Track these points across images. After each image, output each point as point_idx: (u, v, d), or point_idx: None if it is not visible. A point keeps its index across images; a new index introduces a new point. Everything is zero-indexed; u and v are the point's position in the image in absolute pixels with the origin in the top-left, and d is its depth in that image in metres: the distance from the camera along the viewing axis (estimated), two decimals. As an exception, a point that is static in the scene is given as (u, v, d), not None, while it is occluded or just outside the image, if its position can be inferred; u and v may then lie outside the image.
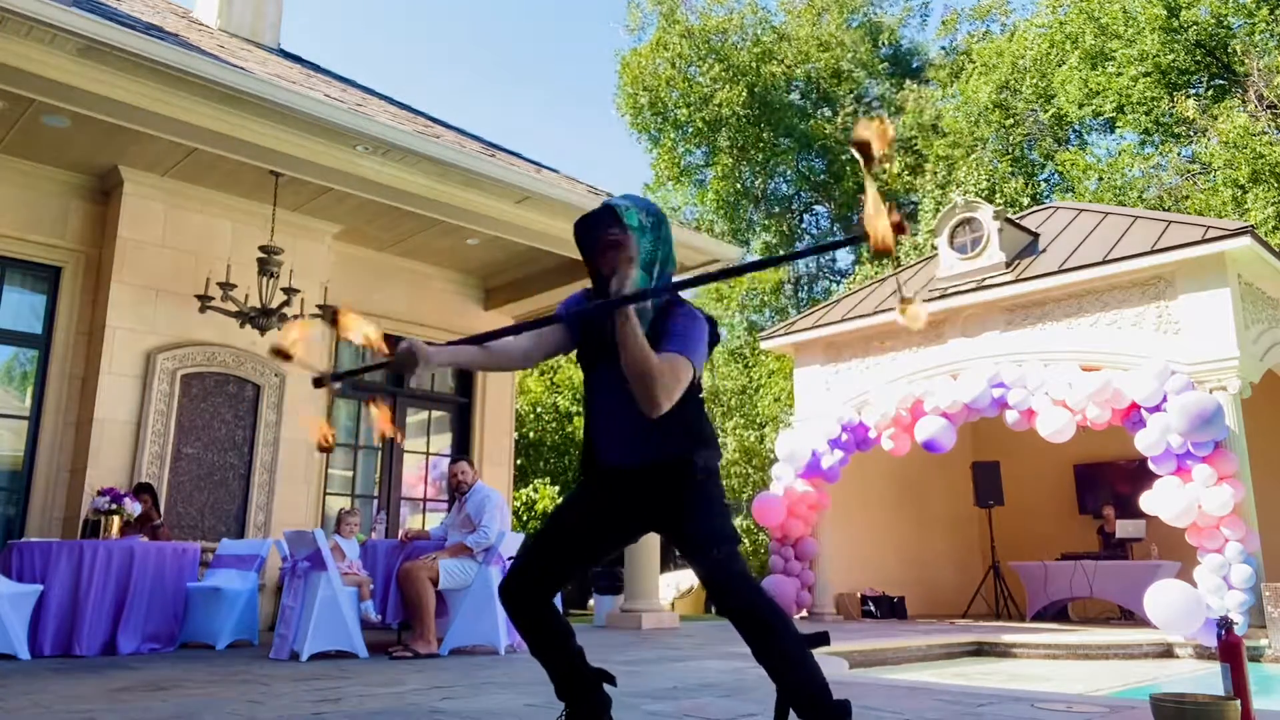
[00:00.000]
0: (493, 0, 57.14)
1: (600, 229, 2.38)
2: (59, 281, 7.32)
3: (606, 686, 2.49)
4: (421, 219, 8.18)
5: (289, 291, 7.17)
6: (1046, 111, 19.91)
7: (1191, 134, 16.93)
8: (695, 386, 2.38)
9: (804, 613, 10.61)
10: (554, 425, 19.06)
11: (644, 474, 2.36)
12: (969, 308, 9.99)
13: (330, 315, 2.39)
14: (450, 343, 2.40)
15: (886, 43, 24.72)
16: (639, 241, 2.35)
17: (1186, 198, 16.41)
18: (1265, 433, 9.48)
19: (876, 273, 18.37)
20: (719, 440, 2.46)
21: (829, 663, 5.34)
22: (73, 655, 5.42)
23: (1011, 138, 20.38)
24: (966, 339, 9.99)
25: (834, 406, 10.73)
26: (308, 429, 2.18)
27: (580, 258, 2.48)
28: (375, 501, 9.17)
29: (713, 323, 2.46)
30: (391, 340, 2.33)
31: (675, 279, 2.43)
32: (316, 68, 9.55)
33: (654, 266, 2.39)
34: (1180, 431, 7.86)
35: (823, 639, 2.30)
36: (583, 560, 2.46)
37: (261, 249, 7.19)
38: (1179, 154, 17.18)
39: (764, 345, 12.75)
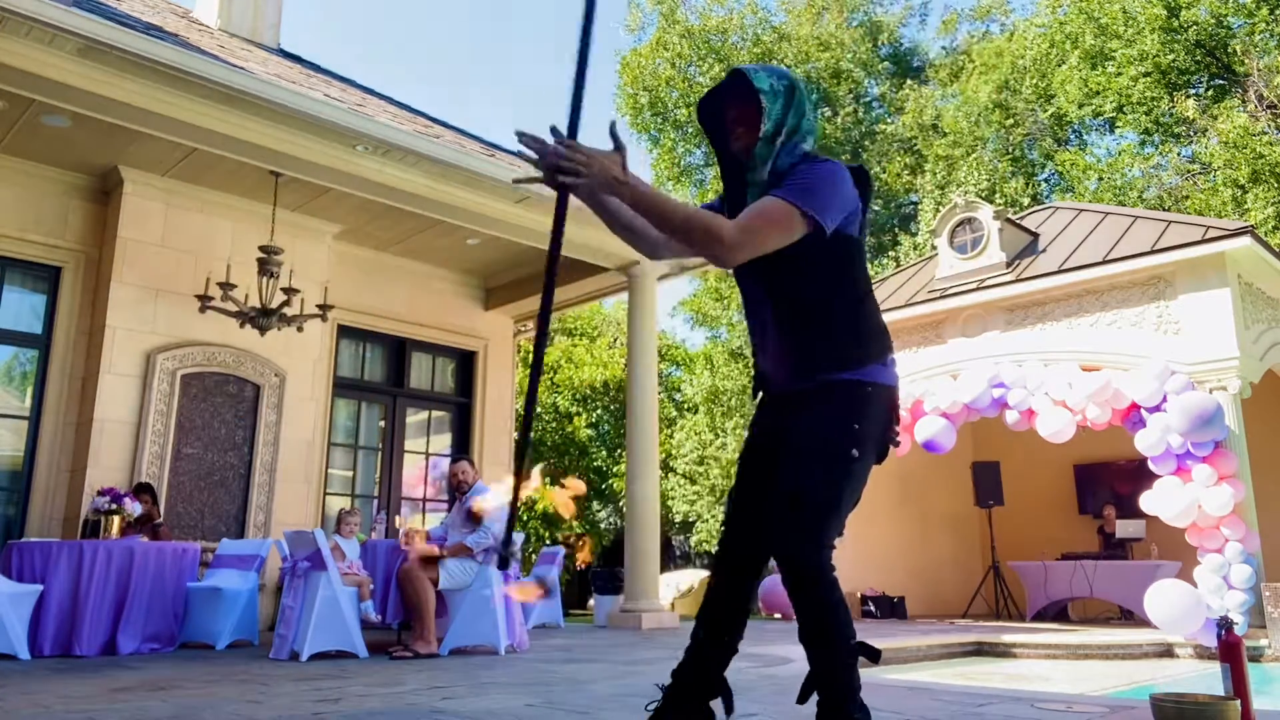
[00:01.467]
0: (493, 0, 57.13)
1: (726, 96, 2.15)
2: (59, 281, 7.32)
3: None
4: (421, 219, 8.18)
5: (289, 291, 7.17)
6: (1046, 111, 19.91)
7: (1191, 134, 16.93)
8: (842, 260, 2.10)
9: (804, 613, 10.60)
10: (554, 425, 19.06)
11: (778, 401, 2.16)
12: (969, 308, 9.99)
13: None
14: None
15: (886, 43, 24.71)
16: (769, 107, 2.08)
17: (1186, 198, 16.42)
18: (1265, 433, 9.48)
19: (876, 273, 18.37)
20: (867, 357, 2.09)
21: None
22: (73, 655, 5.42)
23: (1011, 138, 20.38)
24: (966, 339, 9.99)
25: (834, 406, 10.71)
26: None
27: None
28: (375, 501, 9.17)
29: (856, 170, 2.15)
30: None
31: None
32: (316, 68, 9.55)
33: (781, 136, 2.10)
34: (1180, 431, 7.86)
35: (874, 655, 2.15)
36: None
37: (261, 249, 7.19)
38: (1179, 154, 17.18)
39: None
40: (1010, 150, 20.36)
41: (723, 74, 22.49)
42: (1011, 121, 20.31)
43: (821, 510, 2.02)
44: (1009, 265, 9.92)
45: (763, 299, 2.17)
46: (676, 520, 18.50)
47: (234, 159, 6.82)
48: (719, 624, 2.22)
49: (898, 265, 17.26)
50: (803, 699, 2.10)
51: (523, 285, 9.74)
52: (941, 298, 10.13)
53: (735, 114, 2.15)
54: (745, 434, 2.28)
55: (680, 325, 37.85)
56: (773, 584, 10.52)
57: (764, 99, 2.09)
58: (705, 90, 2.08)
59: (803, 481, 2.02)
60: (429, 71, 68.51)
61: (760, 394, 2.29)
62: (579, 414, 19.30)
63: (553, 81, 62.42)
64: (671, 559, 19.29)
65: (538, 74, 64.25)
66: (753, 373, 2.27)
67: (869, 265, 14.80)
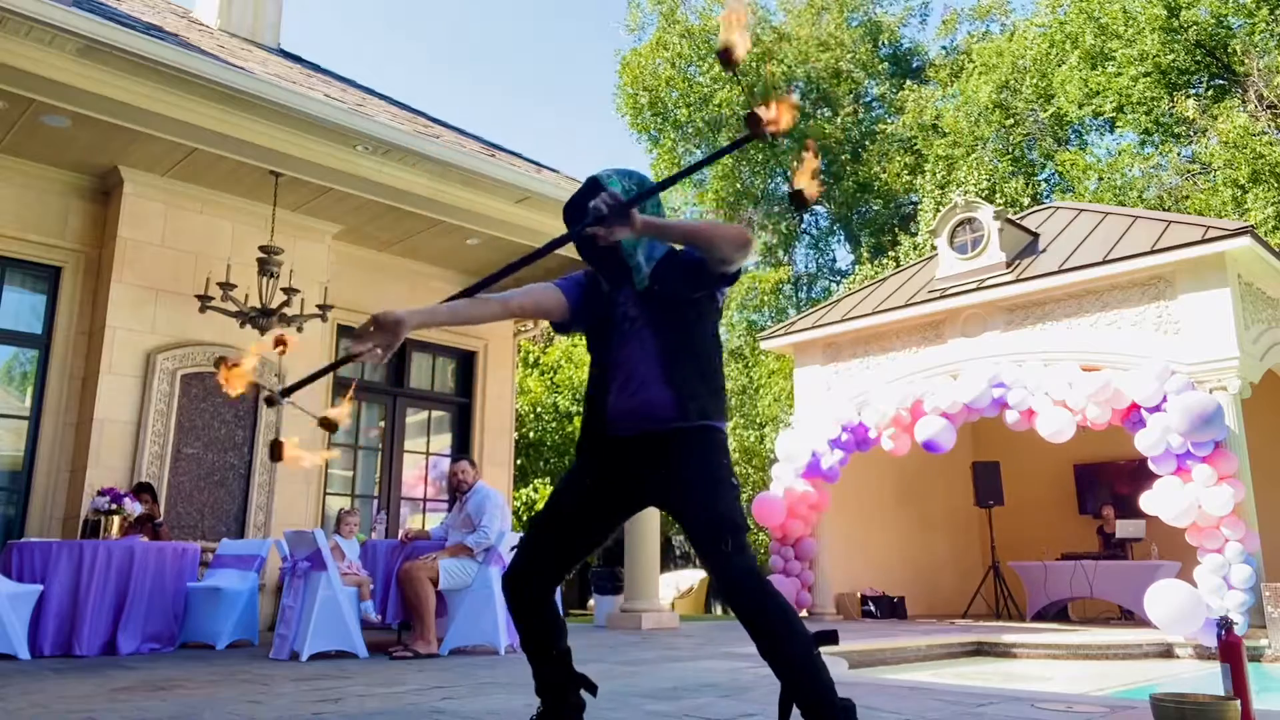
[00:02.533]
0: (493, 1, 57.16)
1: (587, 199, 2.31)
2: (59, 281, 7.32)
3: (587, 694, 2.43)
4: (421, 219, 8.18)
5: (289, 291, 7.16)
6: (1046, 111, 19.91)
7: (1191, 134, 16.93)
8: (715, 327, 2.39)
9: (804, 613, 10.60)
10: (554, 425, 19.05)
11: (649, 441, 2.28)
12: (969, 308, 10.00)
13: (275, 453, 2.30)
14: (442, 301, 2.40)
15: (886, 43, 24.72)
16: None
17: (1186, 198, 16.42)
18: (1265, 433, 9.49)
19: (876, 273, 18.38)
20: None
21: (829, 663, 5.34)
22: (73, 655, 5.42)
23: (1011, 138, 20.38)
24: (966, 339, 10.00)
25: (834, 406, 10.73)
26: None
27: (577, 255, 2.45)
28: (375, 501, 9.17)
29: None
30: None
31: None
32: (316, 68, 9.55)
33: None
34: (1180, 431, 7.86)
35: (831, 638, 2.22)
36: (584, 544, 2.38)
37: (261, 249, 7.19)
38: (1179, 154, 17.18)
39: (764, 345, 12.75)
40: (1010, 150, 20.36)
41: (723, 74, 22.53)
42: (1011, 121, 20.31)
43: (741, 528, 2.17)
44: (1009, 265, 9.92)
45: (649, 339, 2.32)
46: (676, 520, 18.52)
47: (234, 159, 6.81)
48: (543, 645, 2.35)
49: (898, 265, 17.26)
50: (784, 715, 2.15)
51: (522, 285, 9.73)
52: (941, 298, 10.13)
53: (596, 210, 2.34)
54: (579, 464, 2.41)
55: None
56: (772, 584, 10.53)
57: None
58: (571, 198, 2.39)
59: (720, 508, 2.19)
60: (428, 72, 68.52)
61: (596, 432, 2.39)
62: (579, 414, 19.30)
63: (555, 82, 62.44)
64: (671, 559, 19.29)
65: (537, 74, 64.27)
66: (592, 414, 2.39)
67: (869, 265, 14.74)
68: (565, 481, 2.43)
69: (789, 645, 2.12)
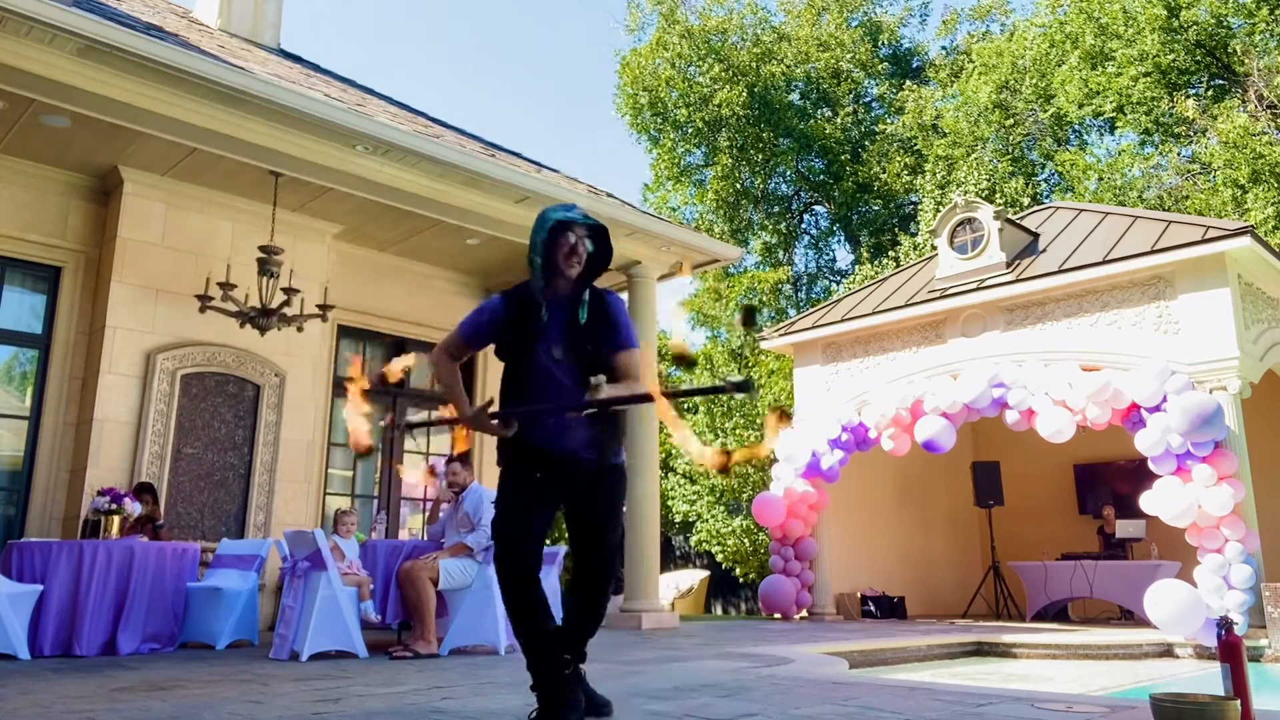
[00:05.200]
0: (492, 1, 57.16)
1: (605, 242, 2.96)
2: (59, 281, 7.32)
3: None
4: (421, 219, 8.18)
5: (289, 291, 7.17)
6: (1046, 111, 19.90)
7: (1191, 134, 16.92)
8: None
9: (804, 612, 10.61)
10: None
11: (585, 462, 2.84)
12: (969, 308, 9.99)
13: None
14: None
15: (886, 43, 24.71)
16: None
17: (1186, 198, 16.41)
18: (1265, 433, 9.49)
19: (876, 273, 18.37)
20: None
21: (829, 663, 5.34)
22: (73, 655, 5.42)
23: (1011, 138, 20.37)
24: (966, 339, 10.00)
25: (834, 406, 10.73)
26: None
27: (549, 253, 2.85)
28: (375, 501, 9.17)
29: None
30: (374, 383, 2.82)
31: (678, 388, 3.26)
32: (316, 68, 9.56)
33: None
34: (1180, 431, 7.86)
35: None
36: (542, 535, 2.89)
37: (261, 249, 7.19)
38: (1179, 154, 17.17)
39: (764, 345, 12.75)
40: (1010, 150, 20.35)
41: (723, 74, 22.53)
42: (1011, 121, 20.30)
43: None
44: (1009, 265, 9.92)
45: (572, 388, 2.78)
46: (676, 520, 18.48)
47: (234, 159, 6.82)
48: (546, 628, 2.82)
49: (898, 265, 17.26)
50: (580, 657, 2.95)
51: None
52: (941, 298, 10.13)
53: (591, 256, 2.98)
54: (524, 476, 2.89)
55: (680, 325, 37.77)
56: (773, 584, 10.53)
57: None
58: (596, 221, 2.90)
59: (620, 526, 3.03)
60: (428, 72, 68.52)
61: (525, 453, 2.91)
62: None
63: (555, 82, 62.37)
64: (671, 559, 19.29)
65: (537, 74, 64.26)
66: (523, 440, 2.86)
67: (869, 265, 14.69)
68: (517, 481, 2.99)
69: (606, 602, 3.01)
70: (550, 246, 2.81)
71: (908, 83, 22.84)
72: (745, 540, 17.01)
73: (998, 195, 18.05)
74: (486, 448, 9.84)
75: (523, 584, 2.77)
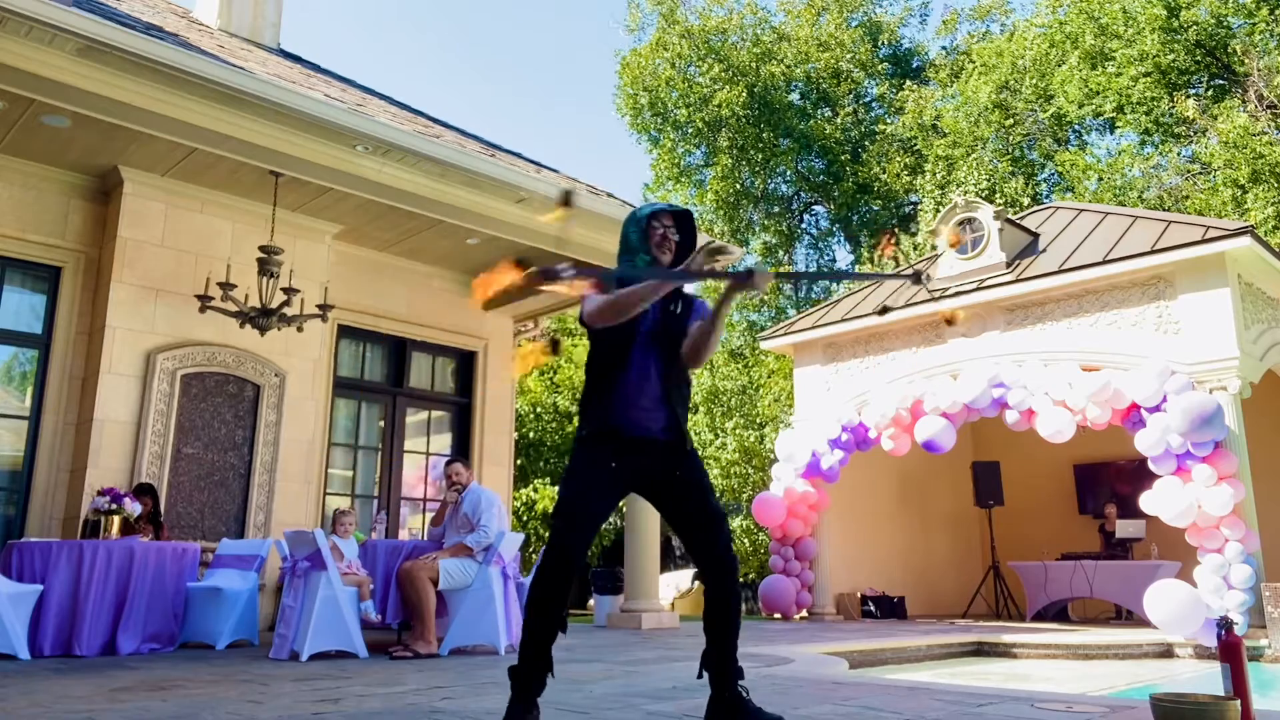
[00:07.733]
0: (493, 1, 57.17)
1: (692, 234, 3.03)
2: (59, 281, 7.31)
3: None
4: (421, 219, 8.17)
5: (289, 291, 7.16)
6: (1046, 111, 19.90)
7: (1191, 134, 16.92)
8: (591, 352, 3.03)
9: (804, 613, 10.61)
10: (554, 425, 19.06)
11: (668, 444, 2.87)
12: (969, 308, 10.00)
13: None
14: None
15: (886, 43, 24.70)
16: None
17: (1186, 198, 16.41)
18: (1265, 433, 9.49)
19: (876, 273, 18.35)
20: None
21: (829, 663, 5.34)
22: (73, 655, 5.42)
23: (1011, 138, 20.37)
24: (966, 339, 10.00)
25: (834, 406, 10.73)
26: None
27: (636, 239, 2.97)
28: (375, 501, 9.16)
29: None
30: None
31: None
32: (316, 68, 9.55)
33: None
34: (1180, 431, 7.86)
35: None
36: (599, 523, 2.85)
37: (261, 249, 7.19)
38: (1179, 154, 17.16)
39: (764, 345, 12.75)
40: (1010, 150, 20.34)
41: (723, 74, 22.54)
42: (1011, 121, 20.29)
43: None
44: (1009, 265, 9.93)
45: (657, 379, 2.90)
46: (676, 520, 18.51)
47: (234, 159, 6.81)
48: (562, 614, 2.81)
49: (897, 265, 17.25)
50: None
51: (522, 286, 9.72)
52: (942, 298, 10.12)
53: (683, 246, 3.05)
54: (601, 460, 2.86)
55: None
56: (773, 584, 10.53)
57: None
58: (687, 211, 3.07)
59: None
60: (428, 72, 68.50)
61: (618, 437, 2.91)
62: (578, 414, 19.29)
63: (556, 82, 62.40)
64: (671, 559, 19.28)
65: (537, 74, 64.25)
66: (614, 417, 2.88)
67: (869, 265, 14.73)
68: (590, 479, 2.95)
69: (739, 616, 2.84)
70: (645, 237, 2.97)
71: (908, 83, 22.84)
72: (745, 540, 17.01)
73: (998, 195, 18.05)
74: (487, 448, 9.85)
75: (567, 565, 2.72)
